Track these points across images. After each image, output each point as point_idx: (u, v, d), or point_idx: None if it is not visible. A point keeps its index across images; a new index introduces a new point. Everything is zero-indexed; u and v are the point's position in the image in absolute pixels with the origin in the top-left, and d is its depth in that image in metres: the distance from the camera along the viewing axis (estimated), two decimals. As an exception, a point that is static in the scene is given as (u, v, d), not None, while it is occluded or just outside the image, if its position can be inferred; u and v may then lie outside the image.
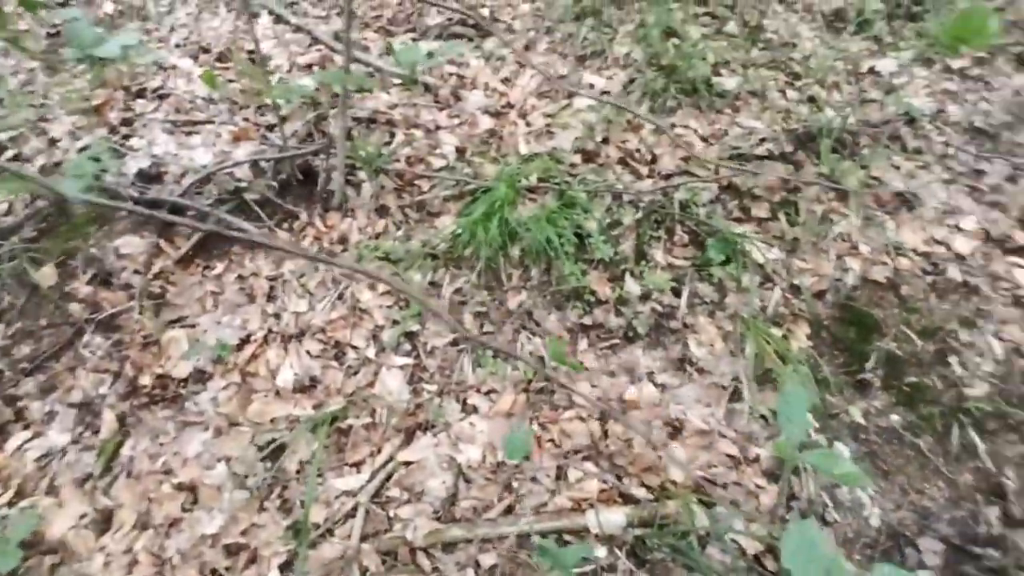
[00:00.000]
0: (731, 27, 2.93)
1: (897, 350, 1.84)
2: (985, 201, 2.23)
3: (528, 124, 2.56)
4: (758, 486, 1.69)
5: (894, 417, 1.77)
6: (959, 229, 2.15)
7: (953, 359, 1.83)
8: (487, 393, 1.92)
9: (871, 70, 2.66)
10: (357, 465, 1.80)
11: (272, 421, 1.86)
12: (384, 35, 3.06)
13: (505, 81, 2.75)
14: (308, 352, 2.00)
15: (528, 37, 2.95)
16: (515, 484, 1.73)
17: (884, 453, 1.73)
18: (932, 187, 2.27)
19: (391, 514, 1.69)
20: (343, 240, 2.25)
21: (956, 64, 2.62)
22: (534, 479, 1.74)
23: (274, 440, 1.80)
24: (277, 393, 1.92)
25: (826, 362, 1.87)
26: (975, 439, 1.70)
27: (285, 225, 2.30)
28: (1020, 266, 2.06)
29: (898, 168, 2.32)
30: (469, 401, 1.90)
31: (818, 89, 2.59)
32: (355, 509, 1.70)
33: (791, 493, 1.67)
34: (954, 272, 2.03)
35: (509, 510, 1.69)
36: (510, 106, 2.65)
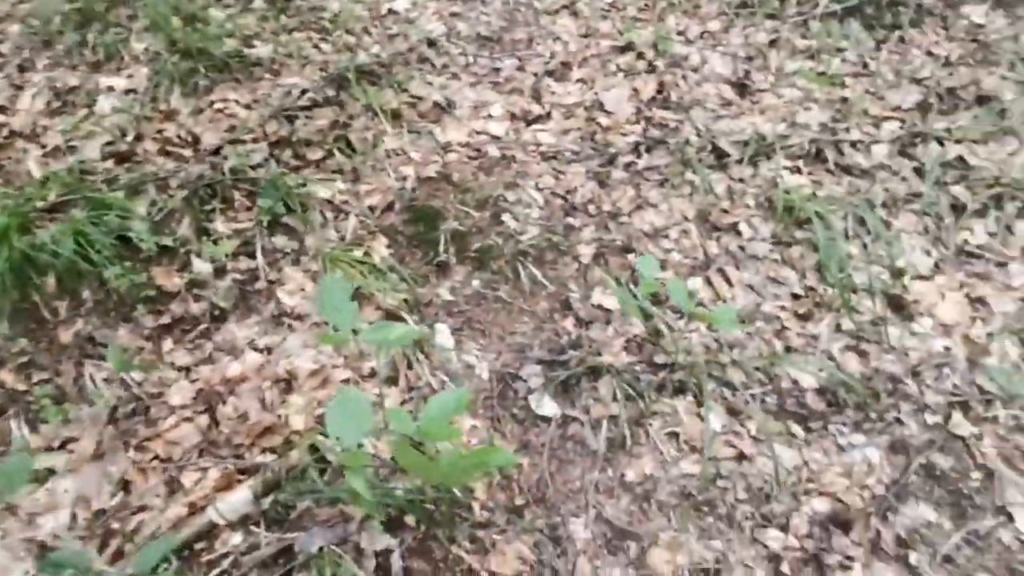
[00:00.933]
0: (258, 3, 2.91)
1: (460, 227, 2.02)
2: (505, 90, 2.59)
3: (43, 146, 2.19)
4: (379, 395, 1.69)
5: (474, 283, 1.94)
6: (491, 117, 2.46)
7: (506, 217, 2.08)
8: (63, 446, 1.59)
9: (390, 11, 2.89)
10: None
11: None
12: None
13: (2, 109, 2.32)
14: None
15: (23, 57, 2.53)
16: (117, 525, 1.46)
17: (477, 315, 1.88)
18: (463, 91, 2.56)
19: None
20: None
21: (455, -9, 2.99)
22: (143, 507, 1.50)
23: None
24: None
25: (408, 262, 1.97)
26: (537, 273, 1.96)
27: None
28: (541, 131, 2.43)
29: (432, 84, 2.55)
30: (41, 466, 1.55)
31: (348, 37, 2.72)
32: None
33: (410, 384, 1.72)
34: (494, 151, 2.31)
35: (120, 555, 1.43)
36: (15, 134, 2.24)
